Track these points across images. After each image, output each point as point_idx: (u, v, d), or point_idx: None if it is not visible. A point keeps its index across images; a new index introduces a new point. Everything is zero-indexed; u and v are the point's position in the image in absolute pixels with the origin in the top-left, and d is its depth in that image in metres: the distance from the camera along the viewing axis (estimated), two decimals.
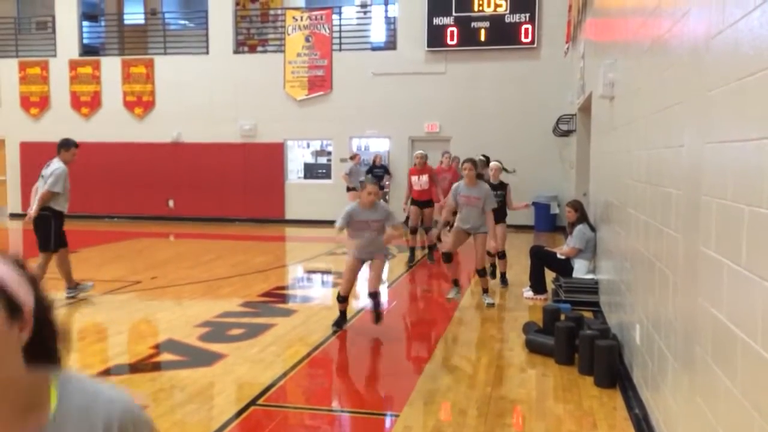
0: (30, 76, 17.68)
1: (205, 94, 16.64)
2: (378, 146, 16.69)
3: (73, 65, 17.48)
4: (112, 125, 17.05)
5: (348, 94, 16.06)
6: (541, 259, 7.77)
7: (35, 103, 17.73)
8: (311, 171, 17.03)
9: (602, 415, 4.26)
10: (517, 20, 15.08)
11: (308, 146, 17.34)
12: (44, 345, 1.21)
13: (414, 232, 10.46)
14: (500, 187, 8.38)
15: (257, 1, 18.08)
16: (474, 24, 15.28)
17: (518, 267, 9.20)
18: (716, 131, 2.64)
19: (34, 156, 17.09)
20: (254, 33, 18.02)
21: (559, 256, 7.62)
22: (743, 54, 2.31)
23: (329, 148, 16.85)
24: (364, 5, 16.75)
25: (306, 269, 10.53)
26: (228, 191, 16.71)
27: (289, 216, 16.58)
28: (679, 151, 3.26)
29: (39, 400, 1.14)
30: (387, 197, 15.30)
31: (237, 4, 17.29)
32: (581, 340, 5.07)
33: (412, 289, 8.83)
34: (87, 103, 17.48)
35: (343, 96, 16.11)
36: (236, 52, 17.00)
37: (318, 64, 16.28)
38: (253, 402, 4.48)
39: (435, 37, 15.48)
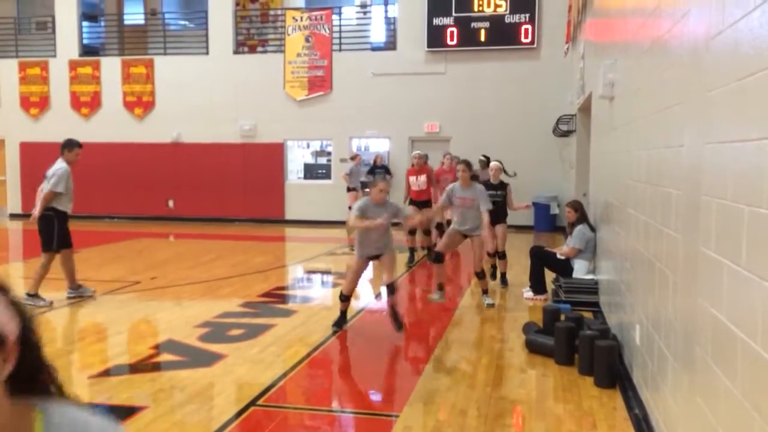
0: (30, 76, 17.68)
1: (205, 95, 16.64)
2: (378, 146, 16.68)
3: (73, 65, 17.48)
4: (111, 125, 17.05)
5: (348, 95, 16.07)
6: (541, 260, 7.77)
7: (35, 104, 17.73)
8: (311, 171, 17.03)
9: (602, 416, 4.26)
10: (517, 20, 15.08)
11: (308, 146, 17.34)
12: (31, 376, 1.13)
13: (413, 232, 10.45)
14: (500, 187, 8.38)
15: (257, 1, 18.08)
16: (474, 24, 15.28)
17: (518, 267, 9.20)
18: (716, 131, 2.64)
19: (33, 156, 17.13)
20: (254, 33, 18.02)
21: (559, 256, 7.62)
22: (743, 54, 2.31)
23: (329, 149, 16.86)
24: (364, 5, 16.75)
25: (306, 269, 10.52)
26: (228, 191, 16.71)
27: (288, 216, 16.58)
28: (679, 151, 3.26)
29: None
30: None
31: (237, 4, 17.29)
32: (581, 340, 5.07)
33: (411, 290, 8.83)
34: (87, 104, 17.48)
35: (343, 96, 16.11)
36: (236, 52, 17.00)
37: (318, 64, 16.28)
38: (252, 402, 4.48)
39: (435, 38, 15.48)
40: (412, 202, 10.19)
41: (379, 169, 15.25)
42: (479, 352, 5.72)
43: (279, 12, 17.39)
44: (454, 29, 15.35)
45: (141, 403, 4.44)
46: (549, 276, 7.86)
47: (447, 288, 7.97)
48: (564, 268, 7.53)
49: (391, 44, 16.36)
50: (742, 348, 2.25)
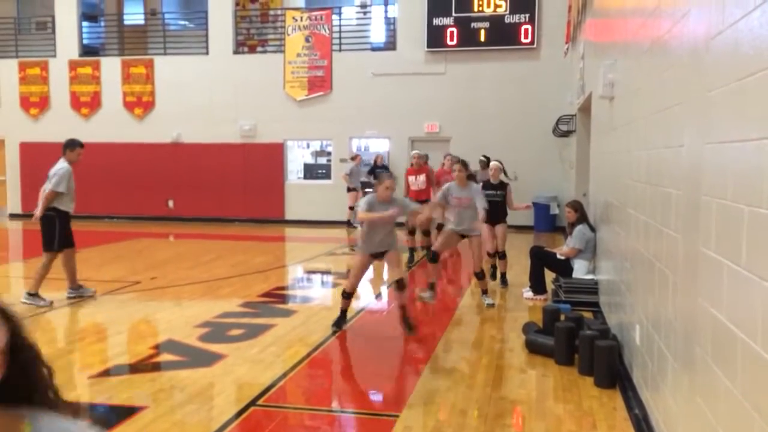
0: (30, 76, 17.68)
1: (204, 95, 16.64)
2: (378, 147, 16.68)
3: (73, 65, 17.48)
4: (111, 125, 17.05)
5: (348, 95, 16.07)
6: (541, 260, 7.77)
7: (35, 104, 17.73)
8: (311, 171, 17.03)
9: (602, 416, 4.26)
10: (517, 21, 15.08)
11: (308, 146, 17.35)
12: (22, 385, 1.10)
13: (412, 233, 10.45)
14: (500, 187, 8.38)
15: (257, 1, 18.08)
16: (474, 24, 15.28)
17: (518, 267, 9.20)
18: (716, 131, 2.64)
19: (33, 156, 17.13)
20: (254, 33, 18.02)
21: (558, 256, 7.62)
22: (743, 54, 2.31)
23: (329, 149, 16.86)
24: (363, 6, 16.74)
25: (306, 269, 10.52)
26: (228, 192, 16.71)
27: (288, 216, 16.58)
28: (679, 151, 3.26)
29: None
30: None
31: (237, 4, 17.29)
32: (581, 340, 5.07)
33: (411, 290, 8.82)
34: (87, 104, 17.48)
35: (343, 96, 16.11)
36: (236, 52, 17.00)
37: (318, 64, 16.28)
38: (252, 402, 4.48)
39: (435, 38, 15.48)
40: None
41: (380, 169, 15.24)
42: (479, 352, 5.72)
43: (279, 12, 17.39)
44: (454, 29, 15.35)
45: (141, 403, 4.44)
46: (549, 276, 7.86)
47: (448, 288, 7.98)
48: (564, 268, 7.53)
49: (391, 44, 16.36)
50: (742, 348, 2.25)
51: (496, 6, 15.14)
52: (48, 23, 18.00)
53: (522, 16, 15.06)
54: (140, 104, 17.20)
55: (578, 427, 4.09)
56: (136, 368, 5.26)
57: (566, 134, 13.78)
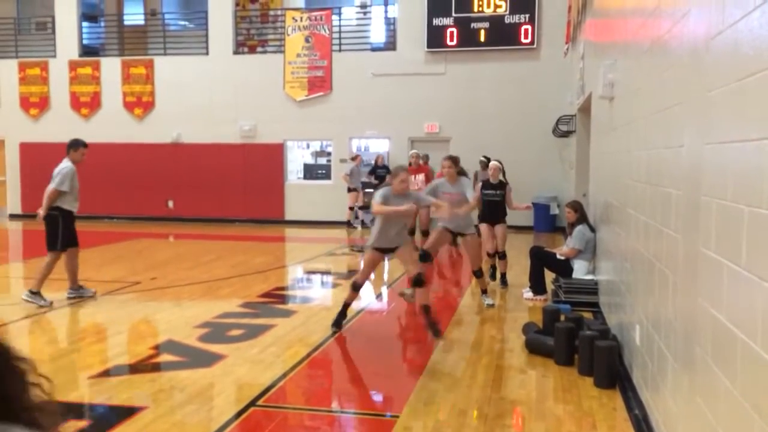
0: (30, 76, 17.67)
1: (204, 95, 16.64)
2: (378, 147, 16.68)
3: (73, 66, 17.48)
4: (111, 126, 17.05)
5: (348, 95, 16.07)
6: (540, 260, 7.77)
7: (35, 104, 17.73)
8: (311, 172, 17.03)
9: (602, 416, 4.26)
10: (517, 21, 15.08)
11: (308, 147, 17.34)
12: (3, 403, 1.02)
13: (411, 233, 10.46)
14: (500, 187, 8.38)
15: (257, 1, 18.08)
16: (474, 25, 15.28)
17: (518, 268, 9.20)
18: (716, 132, 2.64)
19: (33, 156, 17.14)
20: (254, 33, 18.02)
21: (558, 256, 7.62)
22: (743, 54, 2.31)
23: (329, 149, 16.85)
24: (363, 6, 16.74)
25: (306, 270, 10.52)
26: (228, 192, 16.71)
27: (288, 217, 16.58)
28: (679, 151, 3.26)
29: None
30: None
31: (237, 4, 17.29)
32: (581, 340, 5.07)
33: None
34: (87, 104, 17.48)
35: (343, 96, 16.11)
36: (236, 52, 17.00)
37: (318, 64, 16.28)
38: (252, 403, 4.48)
39: (435, 38, 15.48)
40: None
41: (381, 170, 15.27)
42: (479, 353, 5.72)
43: (279, 12, 17.39)
44: (454, 29, 15.35)
45: (141, 404, 4.44)
46: (549, 276, 7.86)
47: (448, 288, 7.97)
48: (564, 268, 7.52)
49: (390, 44, 16.36)
50: (742, 348, 2.25)
51: (496, 6, 15.14)
52: (48, 23, 18.00)
53: (522, 16, 15.06)
54: (140, 104, 17.20)
55: (578, 428, 4.09)
56: (136, 368, 5.26)
57: (566, 134, 13.78)
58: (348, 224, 15.49)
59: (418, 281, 6.07)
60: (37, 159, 16.80)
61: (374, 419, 4.41)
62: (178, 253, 12.08)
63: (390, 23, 16.62)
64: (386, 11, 16.85)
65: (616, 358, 4.89)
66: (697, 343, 2.83)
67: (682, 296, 3.15)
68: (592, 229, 7.54)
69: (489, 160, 10.17)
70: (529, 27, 15.03)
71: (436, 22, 15.42)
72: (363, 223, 15.54)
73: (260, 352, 5.60)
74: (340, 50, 16.22)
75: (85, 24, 18.11)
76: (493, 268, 8.72)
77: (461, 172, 7.53)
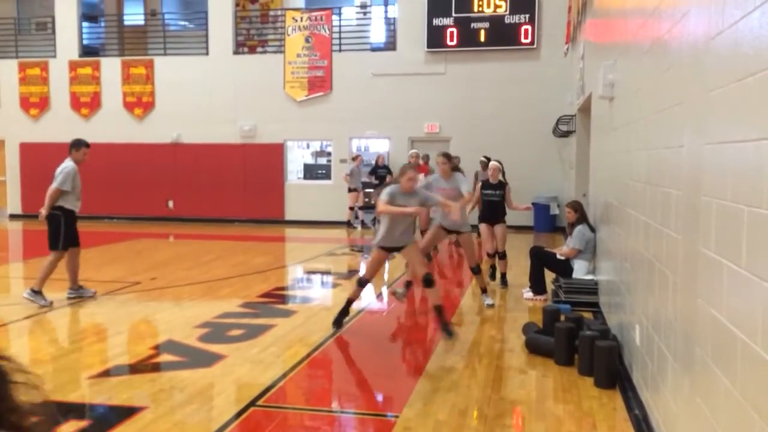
0: (30, 76, 17.68)
1: (204, 95, 16.64)
2: (378, 147, 16.69)
3: (73, 66, 17.48)
4: (111, 126, 17.06)
5: (348, 95, 16.07)
6: (540, 260, 7.77)
7: (35, 104, 17.73)
8: (311, 172, 17.04)
9: (602, 416, 4.25)
10: (517, 21, 15.09)
11: (308, 147, 17.35)
12: None
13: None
14: (499, 187, 8.38)
15: (257, 1, 18.09)
16: (474, 25, 15.29)
17: (518, 268, 9.20)
18: (716, 132, 2.64)
19: (33, 157, 17.14)
20: (254, 34, 18.03)
21: (558, 256, 7.62)
22: (743, 54, 2.31)
23: (329, 149, 16.86)
24: (363, 6, 16.75)
25: (305, 270, 10.52)
26: (228, 192, 16.71)
27: (288, 217, 16.58)
28: (679, 151, 3.26)
29: None
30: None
31: (237, 4, 17.30)
32: (581, 340, 5.07)
33: (410, 290, 8.81)
34: (87, 104, 17.48)
35: (343, 97, 16.11)
36: (236, 52, 17.00)
37: (318, 64, 16.28)
38: (252, 403, 4.48)
39: (435, 38, 15.48)
40: None
41: (382, 170, 15.30)
42: (479, 353, 5.72)
43: (279, 12, 17.40)
44: (454, 30, 15.36)
45: (141, 404, 4.44)
46: (549, 276, 7.86)
47: (448, 288, 7.96)
48: (564, 268, 7.52)
49: (391, 45, 16.36)
50: (742, 349, 2.25)
51: (496, 6, 15.15)
52: (48, 23, 18.01)
53: (522, 16, 15.06)
54: (140, 104, 17.20)
55: (578, 428, 4.09)
56: (136, 369, 5.26)
57: (566, 134, 13.78)
58: (348, 224, 15.49)
59: (427, 282, 6.02)
60: (37, 159, 16.81)
61: (374, 419, 4.41)
62: (178, 253, 12.08)
63: (390, 23, 16.62)
64: (386, 11, 16.86)
65: (616, 358, 4.89)
66: (697, 344, 2.83)
67: (682, 296, 3.15)
68: (592, 229, 7.54)
69: (489, 160, 10.17)
70: (529, 27, 15.03)
71: (436, 22, 15.43)
72: (363, 223, 15.54)
73: (260, 352, 5.60)
74: (340, 50, 16.23)
75: (85, 24, 18.11)
76: (493, 268, 8.72)
77: (455, 168, 7.53)
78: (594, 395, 4.62)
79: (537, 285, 7.80)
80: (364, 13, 16.92)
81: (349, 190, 15.31)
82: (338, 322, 6.34)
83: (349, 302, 6.42)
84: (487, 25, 15.23)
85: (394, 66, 15.79)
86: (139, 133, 17.11)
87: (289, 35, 16.43)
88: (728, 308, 2.44)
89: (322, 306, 7.55)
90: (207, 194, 16.75)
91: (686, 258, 3.08)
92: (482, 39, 15.26)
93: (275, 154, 16.60)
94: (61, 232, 7.34)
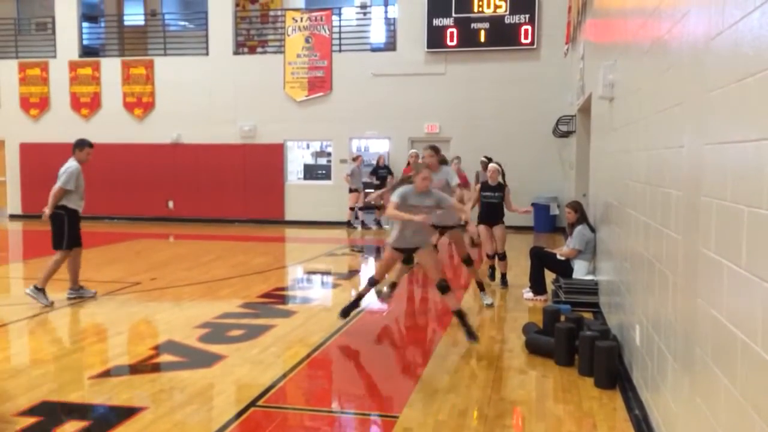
0: (30, 77, 17.68)
1: (204, 95, 16.65)
2: (378, 147, 16.69)
3: (73, 66, 17.48)
4: (111, 126, 17.05)
5: (348, 95, 16.07)
6: (540, 260, 7.77)
7: (35, 104, 17.73)
8: (311, 172, 17.04)
9: (602, 416, 4.25)
10: (517, 21, 15.09)
11: (308, 147, 17.36)
12: None
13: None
14: (499, 189, 8.38)
15: (257, 2, 18.09)
16: (474, 25, 15.29)
17: (518, 268, 9.20)
18: (716, 132, 2.64)
19: (33, 157, 17.15)
20: (254, 34, 18.03)
21: (558, 257, 7.62)
22: (743, 55, 2.31)
23: (329, 149, 16.86)
24: (363, 6, 16.75)
25: (306, 270, 10.52)
26: (228, 192, 16.71)
27: (288, 217, 16.58)
28: (679, 151, 3.26)
29: None
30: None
31: (237, 5, 17.30)
32: (581, 341, 5.07)
33: (410, 291, 8.82)
34: (87, 104, 17.48)
35: (343, 97, 16.11)
36: (236, 53, 17.00)
37: (318, 65, 16.29)
38: (252, 403, 4.48)
39: (435, 38, 15.49)
40: None
41: (382, 170, 15.31)
42: (479, 353, 5.72)
43: (279, 13, 17.40)
44: (454, 30, 15.36)
45: (141, 404, 4.44)
46: (549, 277, 7.86)
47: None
48: (564, 268, 7.52)
49: (390, 45, 16.36)
50: (742, 349, 2.25)
51: (496, 6, 15.15)
52: (48, 24, 18.01)
53: (522, 16, 15.07)
54: (140, 105, 17.20)
55: (578, 428, 4.09)
56: (136, 369, 5.26)
57: (566, 135, 13.78)
58: (348, 224, 15.50)
59: (441, 288, 5.88)
60: (37, 159, 16.81)
61: (374, 419, 4.41)
62: (178, 253, 12.08)
63: (390, 23, 16.62)
64: (386, 11, 16.86)
65: (616, 359, 4.89)
66: (697, 344, 2.83)
67: (682, 296, 3.15)
68: (592, 230, 7.54)
69: (490, 160, 10.18)
70: (529, 27, 15.04)
71: (436, 22, 15.43)
72: (363, 223, 15.54)
73: (260, 353, 5.60)
74: (340, 50, 16.23)
75: (85, 24, 18.12)
76: (492, 268, 8.72)
77: (443, 161, 7.54)
78: (594, 395, 4.62)
79: (537, 285, 7.80)
80: (364, 14, 16.93)
81: (350, 191, 15.32)
82: (346, 313, 6.39)
83: (360, 296, 6.46)
84: (487, 25, 15.23)
85: (394, 66, 15.80)
86: (139, 134, 17.11)
87: (289, 35, 16.43)
88: (728, 308, 2.44)
89: (322, 306, 7.56)
90: (207, 194, 16.75)
91: (686, 258, 3.08)
92: (482, 39, 15.27)
93: (275, 154, 16.60)
94: (65, 232, 7.37)
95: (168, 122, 16.89)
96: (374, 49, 16.52)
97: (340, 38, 16.28)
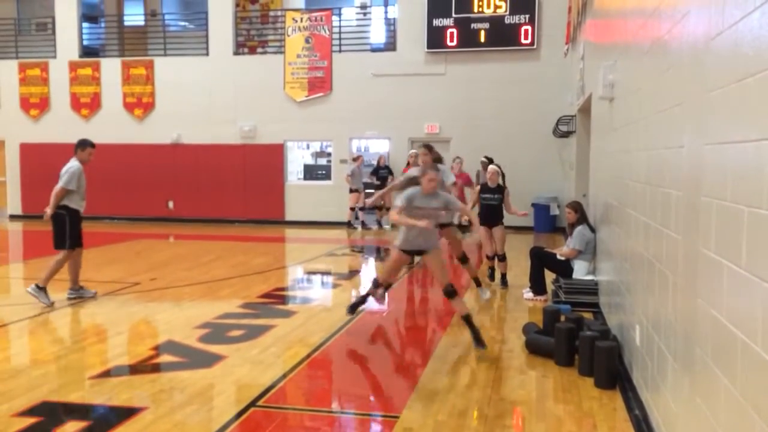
0: (30, 77, 17.68)
1: (204, 96, 16.65)
2: (378, 147, 16.69)
3: (73, 66, 17.48)
4: (112, 126, 17.05)
5: (348, 96, 16.07)
6: (541, 261, 7.77)
7: (35, 105, 17.73)
8: (311, 172, 17.04)
9: (602, 417, 4.26)
10: (517, 21, 15.09)
11: (308, 147, 17.36)
12: None
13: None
14: (498, 191, 8.38)
15: (257, 2, 18.10)
16: (474, 25, 15.29)
17: (518, 268, 9.20)
18: (716, 132, 2.64)
19: (33, 157, 17.15)
20: (254, 34, 18.03)
21: (559, 257, 7.62)
22: (743, 55, 2.31)
23: (329, 150, 16.86)
24: (363, 6, 16.75)
25: (306, 270, 10.52)
26: (228, 192, 16.71)
27: (288, 217, 16.58)
28: (679, 152, 3.26)
29: None
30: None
31: (237, 5, 17.30)
32: (581, 341, 5.07)
33: (411, 291, 8.83)
34: (87, 105, 17.48)
35: (343, 97, 16.12)
36: (236, 53, 17.00)
37: (318, 65, 16.29)
38: (252, 403, 4.48)
39: (435, 39, 15.49)
40: None
41: (383, 170, 15.31)
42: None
43: (279, 13, 17.41)
44: (454, 30, 15.36)
45: (141, 404, 4.44)
46: (549, 277, 7.86)
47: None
48: (564, 268, 7.53)
49: (391, 45, 16.36)
50: (742, 349, 2.25)
51: (496, 7, 15.15)
52: (48, 24, 18.01)
53: (522, 16, 15.07)
54: (140, 105, 17.20)
55: (578, 428, 4.09)
56: (136, 369, 5.26)
57: (566, 135, 13.79)
58: (348, 225, 15.50)
59: (448, 293, 5.75)
60: (37, 160, 16.82)
61: (374, 420, 4.41)
62: (178, 253, 12.08)
63: (390, 24, 16.62)
64: (386, 12, 16.86)
65: (617, 359, 4.89)
66: (697, 344, 2.83)
67: (682, 297, 3.15)
68: (593, 230, 7.54)
69: (490, 160, 10.18)
70: (529, 27, 15.04)
71: (436, 22, 15.43)
72: (363, 224, 15.54)
73: (260, 353, 5.60)
74: (340, 51, 16.23)
75: (85, 24, 18.12)
76: (492, 269, 8.73)
77: (437, 159, 7.53)
78: (594, 395, 4.62)
79: (537, 285, 7.80)
80: (364, 14, 16.93)
81: (351, 191, 15.32)
82: (352, 309, 6.45)
83: (368, 294, 6.48)
84: (487, 25, 15.23)
85: (394, 66, 15.80)
86: (139, 134, 17.11)
87: (289, 36, 16.43)
88: (728, 308, 2.44)
89: (322, 307, 7.56)
90: (207, 195, 16.75)
91: (686, 258, 3.08)
92: (482, 39, 15.27)
93: (275, 154, 16.61)
94: (66, 232, 7.37)
95: (168, 122, 16.89)
96: (374, 50, 16.52)
97: (340, 38, 16.28)
